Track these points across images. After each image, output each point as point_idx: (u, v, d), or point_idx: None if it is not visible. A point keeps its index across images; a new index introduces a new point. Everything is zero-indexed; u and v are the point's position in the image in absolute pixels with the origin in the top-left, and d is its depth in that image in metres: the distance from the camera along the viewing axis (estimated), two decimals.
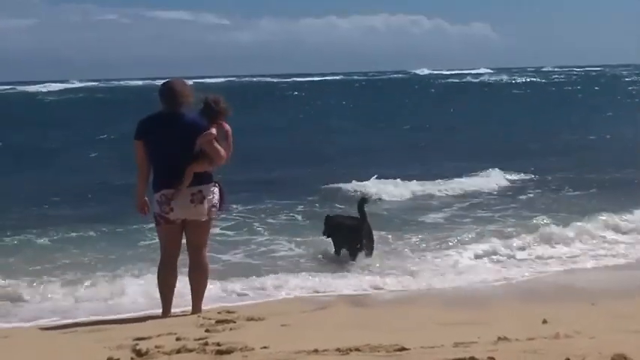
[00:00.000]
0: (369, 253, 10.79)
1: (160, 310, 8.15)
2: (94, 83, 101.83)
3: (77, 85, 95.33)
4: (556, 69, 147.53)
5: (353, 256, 10.72)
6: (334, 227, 11.16)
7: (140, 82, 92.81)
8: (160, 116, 7.96)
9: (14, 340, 7.22)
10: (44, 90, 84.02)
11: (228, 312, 8.01)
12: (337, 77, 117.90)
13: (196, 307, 8.15)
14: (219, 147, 7.89)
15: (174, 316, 8.05)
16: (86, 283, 9.56)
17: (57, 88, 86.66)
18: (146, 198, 8.02)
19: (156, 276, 8.24)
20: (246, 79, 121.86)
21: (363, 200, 11.30)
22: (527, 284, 9.70)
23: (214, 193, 8.02)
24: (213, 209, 8.04)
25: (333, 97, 61.84)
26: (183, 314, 8.09)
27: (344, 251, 10.92)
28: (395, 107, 48.41)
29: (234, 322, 7.43)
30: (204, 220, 8.01)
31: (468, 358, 4.83)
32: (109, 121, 34.74)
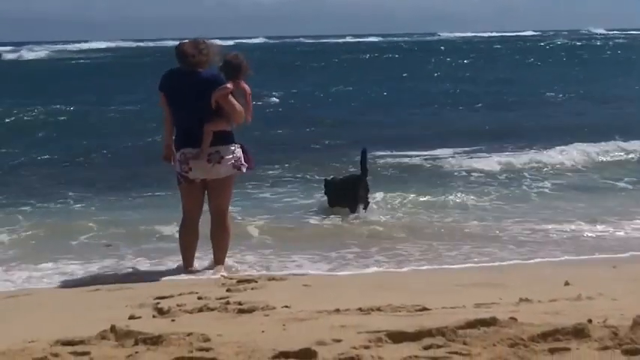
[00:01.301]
0: (365, 207, 11.14)
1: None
2: (126, 43, 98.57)
3: (113, 44, 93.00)
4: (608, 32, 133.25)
5: (352, 209, 11.05)
6: (332, 186, 11.44)
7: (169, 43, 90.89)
8: (179, 72, 8.00)
9: (37, 298, 7.30)
10: (73, 49, 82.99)
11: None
12: (374, 39, 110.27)
13: (218, 262, 8.20)
14: (235, 102, 7.87)
15: (195, 272, 8.12)
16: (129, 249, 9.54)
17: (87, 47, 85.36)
18: (174, 149, 8.05)
19: (177, 235, 8.32)
20: (287, 40, 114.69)
21: (365, 152, 11.54)
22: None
23: (234, 154, 7.98)
24: (235, 169, 8.03)
25: (417, 60, 56.39)
26: (206, 274, 8.14)
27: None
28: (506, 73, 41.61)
29: (256, 282, 7.45)
30: (223, 178, 8.01)
31: (489, 319, 4.81)
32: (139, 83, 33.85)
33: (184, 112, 7.89)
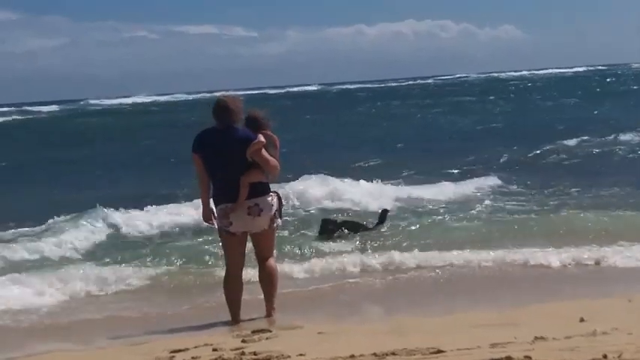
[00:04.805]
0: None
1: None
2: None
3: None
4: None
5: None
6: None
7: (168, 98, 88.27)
8: (214, 131, 8.10)
9: (54, 354, 7.30)
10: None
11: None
12: (403, 83, 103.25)
13: (268, 311, 8.23)
14: (268, 155, 7.97)
15: (212, 326, 8.11)
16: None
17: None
18: (212, 207, 8.12)
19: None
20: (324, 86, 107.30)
21: (385, 211, 13.63)
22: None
23: (272, 204, 8.08)
24: (275, 219, 8.13)
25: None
26: (223, 324, 8.15)
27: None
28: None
29: (271, 332, 7.44)
30: (265, 230, 8.09)
31: (505, 358, 4.82)
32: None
33: (224, 169, 7.97)
